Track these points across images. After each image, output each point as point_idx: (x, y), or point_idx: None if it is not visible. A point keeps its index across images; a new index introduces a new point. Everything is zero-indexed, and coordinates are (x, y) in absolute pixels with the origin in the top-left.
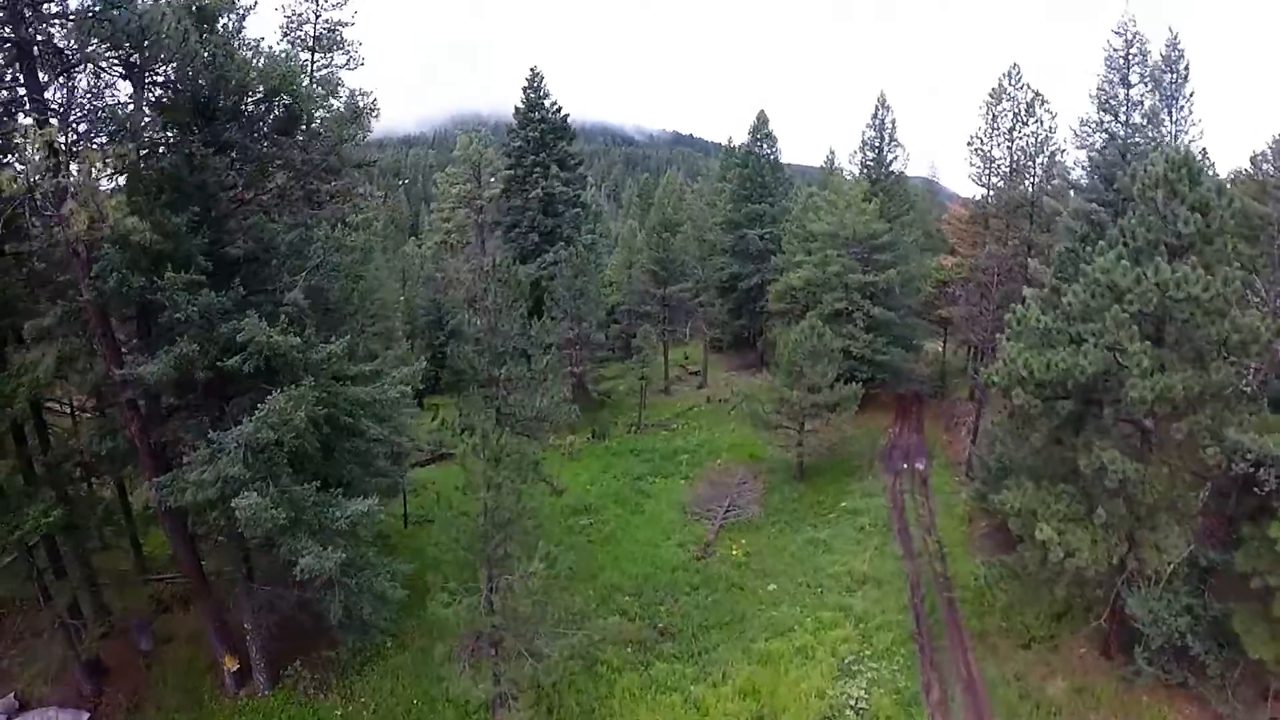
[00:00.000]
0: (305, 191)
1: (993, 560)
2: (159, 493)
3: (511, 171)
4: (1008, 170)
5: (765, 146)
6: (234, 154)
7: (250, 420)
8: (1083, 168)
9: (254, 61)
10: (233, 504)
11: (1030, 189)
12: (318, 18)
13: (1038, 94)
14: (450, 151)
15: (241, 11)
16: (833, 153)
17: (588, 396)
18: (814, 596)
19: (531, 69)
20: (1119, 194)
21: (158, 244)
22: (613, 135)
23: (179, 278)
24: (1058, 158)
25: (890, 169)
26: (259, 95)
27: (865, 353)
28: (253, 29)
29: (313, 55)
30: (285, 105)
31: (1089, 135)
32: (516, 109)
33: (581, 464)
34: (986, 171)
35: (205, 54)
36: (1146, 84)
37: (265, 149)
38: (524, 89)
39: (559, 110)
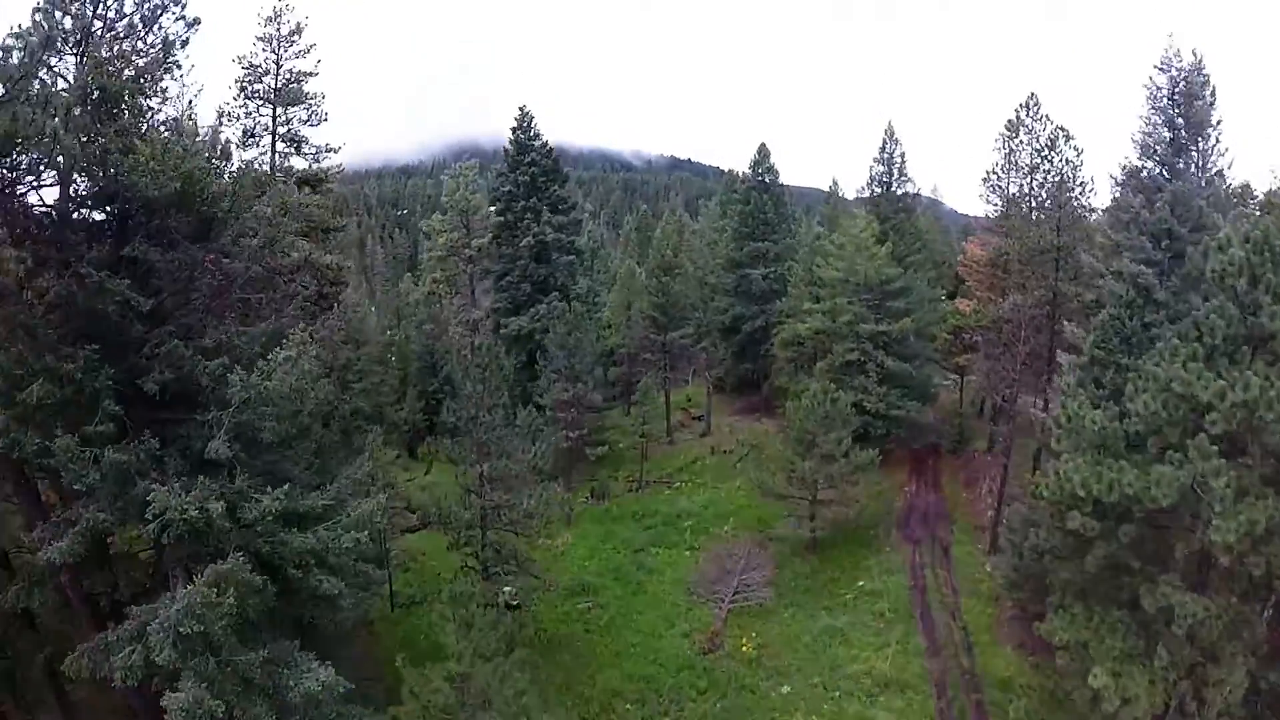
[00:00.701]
0: (237, 302)
1: (1030, 687)
2: (90, 661)
3: (502, 218)
4: (1028, 210)
5: (767, 180)
6: (137, 271)
7: (174, 604)
8: (1122, 218)
9: (158, 157)
10: (163, 703)
11: (1055, 234)
12: (279, 68)
13: (1061, 128)
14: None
15: (163, 94)
16: (836, 184)
17: (586, 456)
18: (832, 703)
19: (520, 109)
20: (1167, 252)
21: (46, 399)
22: (610, 161)
23: (70, 445)
24: (1084, 198)
25: (900, 205)
26: (165, 198)
27: (879, 407)
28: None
29: (274, 111)
30: (198, 209)
31: (1131, 187)
32: (505, 150)
33: (580, 531)
34: (1004, 211)
35: (94, 153)
36: (1193, 130)
37: (176, 262)
38: (513, 130)
39: (549, 151)
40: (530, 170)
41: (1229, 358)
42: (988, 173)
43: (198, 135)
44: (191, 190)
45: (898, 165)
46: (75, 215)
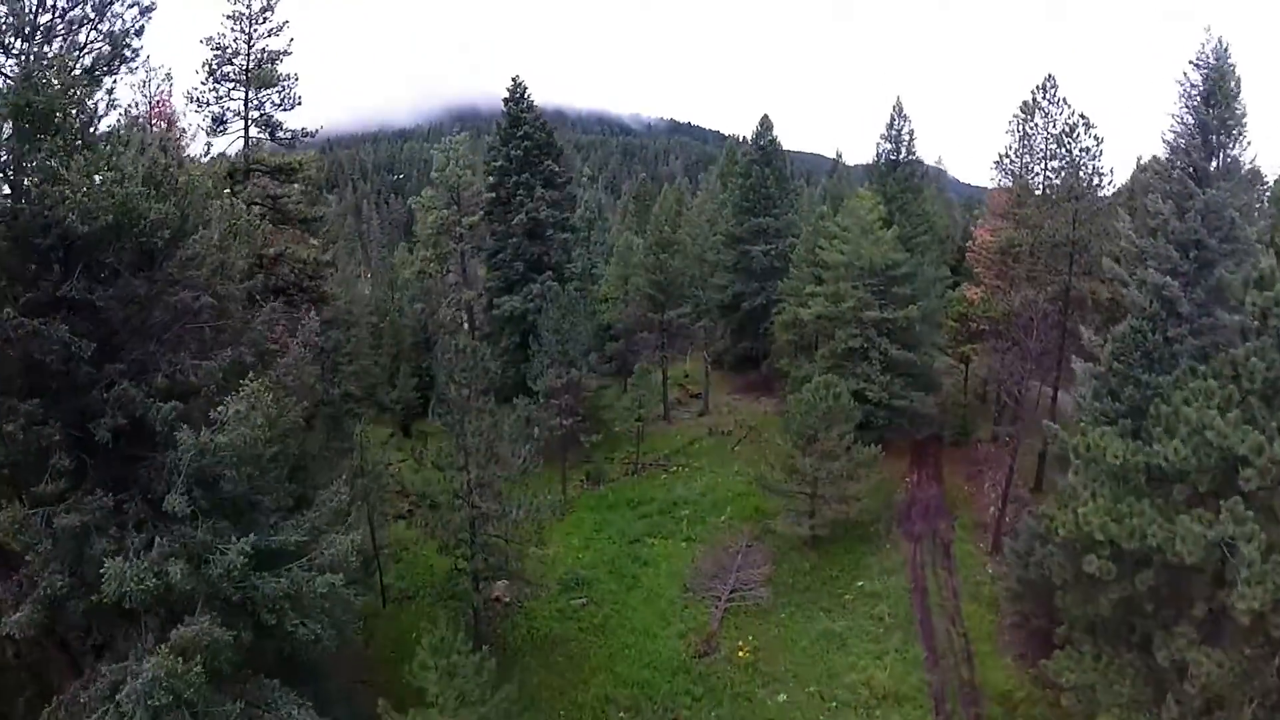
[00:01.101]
0: (189, 334)
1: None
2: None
3: (494, 194)
4: (1040, 197)
5: (770, 151)
6: (78, 309)
7: (139, 675)
8: (1149, 223)
9: (89, 188)
10: None
11: (1071, 227)
12: (250, 48)
13: (1081, 116)
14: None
15: (109, 96)
16: (840, 156)
17: (580, 441)
18: (829, 715)
19: (514, 79)
20: (1194, 263)
21: None
22: (609, 125)
23: (16, 514)
24: (1102, 189)
25: (907, 185)
26: (98, 233)
27: (881, 397)
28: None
29: (246, 94)
30: (137, 241)
31: (1160, 192)
32: (497, 124)
33: (574, 520)
34: (1016, 198)
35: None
36: (1227, 132)
37: (118, 298)
38: (506, 101)
39: (543, 125)
40: (523, 144)
41: (1267, 404)
42: (1000, 156)
43: (145, 141)
44: (128, 222)
45: (905, 143)
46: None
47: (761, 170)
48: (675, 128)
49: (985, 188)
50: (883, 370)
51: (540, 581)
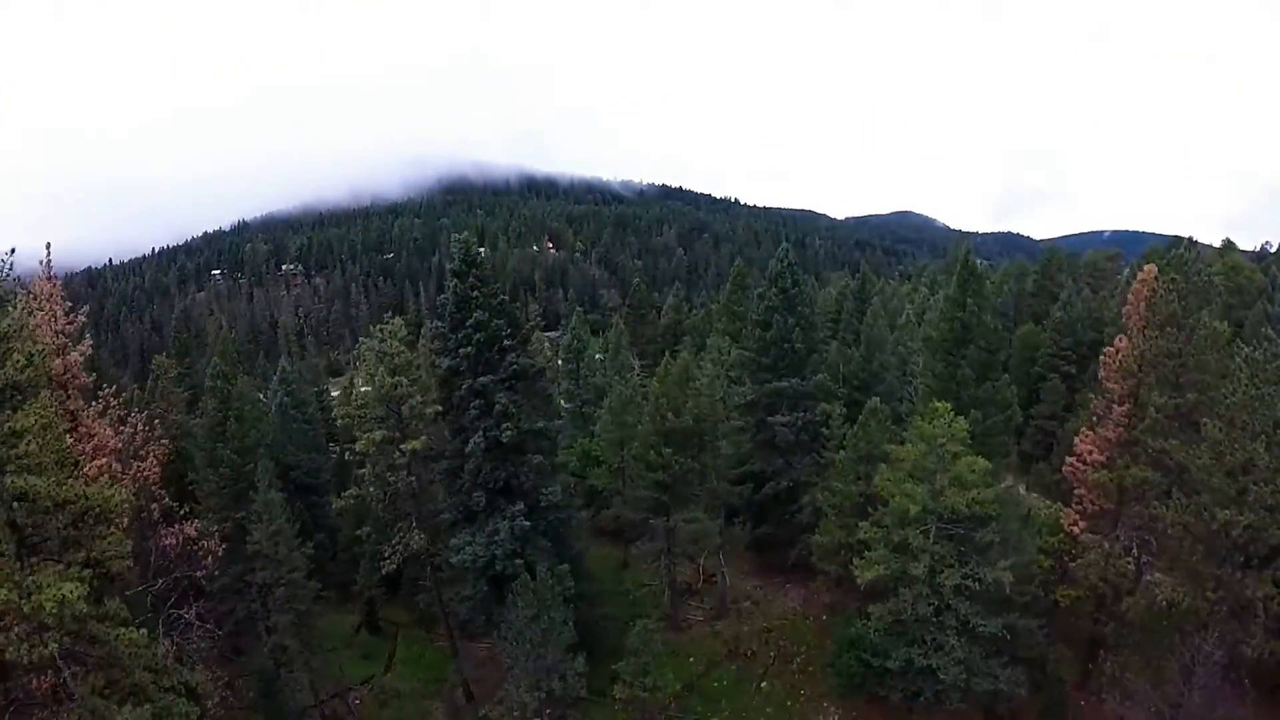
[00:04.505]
0: None
1: None
2: None
3: (443, 403)
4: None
5: (793, 296)
6: None
7: None
8: None
9: None
10: None
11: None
12: None
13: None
14: (436, 220)
15: None
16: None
17: None
18: None
19: (460, 240)
20: None
21: None
22: (600, 193)
23: None
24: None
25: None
26: None
27: (958, 678)
28: None
29: None
30: None
31: None
32: (441, 304)
33: None
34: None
35: None
36: None
37: None
38: (453, 275)
39: (501, 306)
40: (475, 337)
41: None
42: (1110, 355)
43: None
44: None
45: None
46: None
47: (785, 321)
48: (667, 193)
49: (979, 232)
50: (959, 633)
51: None
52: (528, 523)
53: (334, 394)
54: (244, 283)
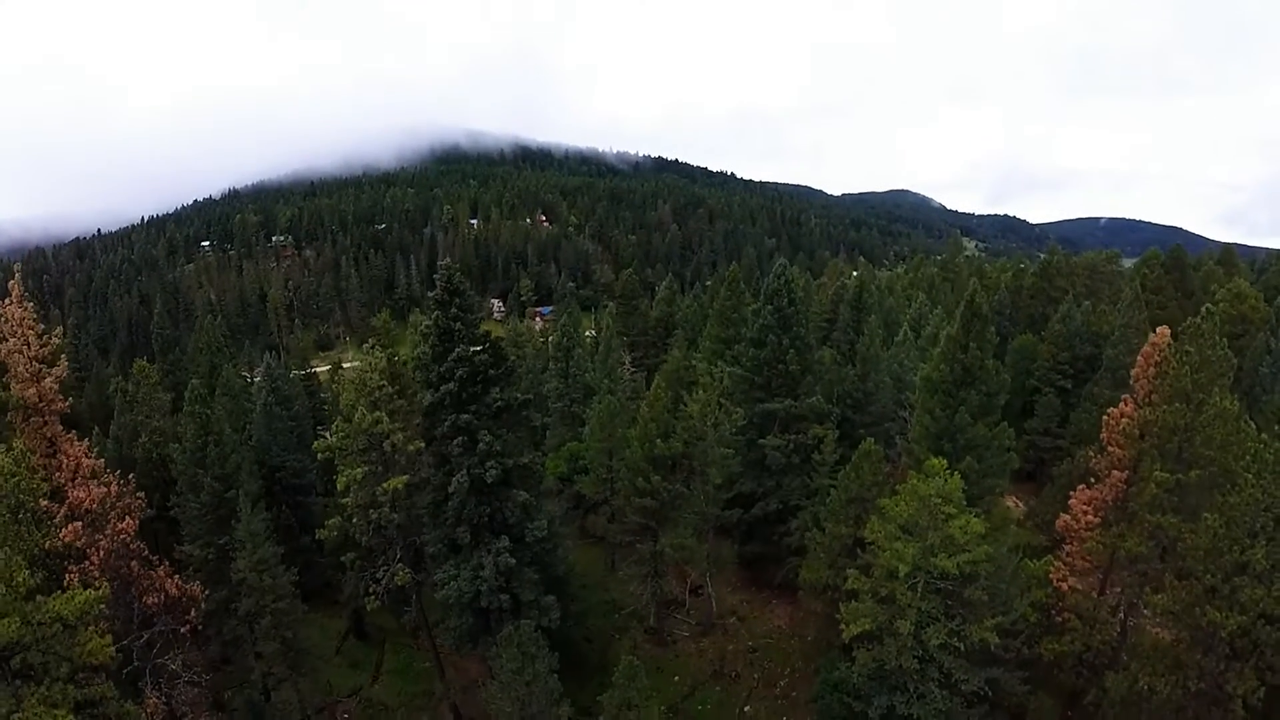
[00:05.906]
0: None
1: None
2: None
3: (426, 439)
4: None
5: (788, 314)
6: None
7: None
8: None
9: None
10: None
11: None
12: None
13: None
14: (430, 190)
15: None
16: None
17: None
18: None
19: (442, 267)
20: None
21: None
22: (595, 164)
23: None
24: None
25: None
26: None
27: None
28: None
29: None
30: None
31: None
32: (425, 333)
33: None
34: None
35: None
36: None
37: None
38: (435, 304)
39: (485, 338)
40: (458, 372)
41: None
42: (1114, 417)
43: None
44: None
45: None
46: None
47: (779, 340)
48: (662, 165)
49: (975, 214)
50: (941, 687)
51: None
52: (513, 560)
53: (321, 370)
54: (233, 255)
